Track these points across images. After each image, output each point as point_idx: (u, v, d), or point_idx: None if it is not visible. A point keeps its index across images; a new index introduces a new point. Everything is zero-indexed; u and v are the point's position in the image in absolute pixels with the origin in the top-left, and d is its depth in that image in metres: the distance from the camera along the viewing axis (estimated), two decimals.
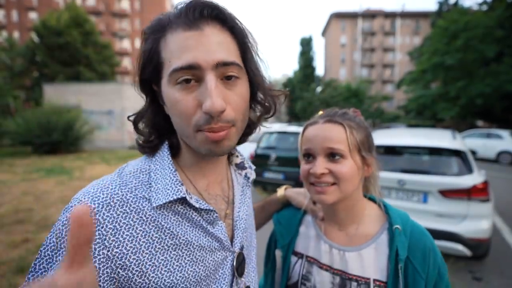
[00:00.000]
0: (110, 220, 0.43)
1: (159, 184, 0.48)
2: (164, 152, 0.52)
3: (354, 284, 0.64)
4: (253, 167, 0.69)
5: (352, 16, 45.58)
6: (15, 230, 3.71)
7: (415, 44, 35.22)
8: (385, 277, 0.63)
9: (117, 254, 0.42)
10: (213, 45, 0.43)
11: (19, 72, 22.12)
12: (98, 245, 0.41)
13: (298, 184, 4.89)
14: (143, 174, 0.50)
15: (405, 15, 44.77)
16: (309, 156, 0.68)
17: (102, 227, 0.42)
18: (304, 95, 34.23)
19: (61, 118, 11.56)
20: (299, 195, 0.83)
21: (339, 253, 0.68)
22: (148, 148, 0.53)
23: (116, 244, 0.42)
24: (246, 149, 7.98)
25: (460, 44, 15.80)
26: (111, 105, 14.63)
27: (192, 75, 0.43)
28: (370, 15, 45.40)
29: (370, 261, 0.65)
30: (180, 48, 0.43)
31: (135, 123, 0.54)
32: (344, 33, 45.90)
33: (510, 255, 3.21)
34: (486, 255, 2.79)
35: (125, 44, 40.21)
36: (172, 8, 0.48)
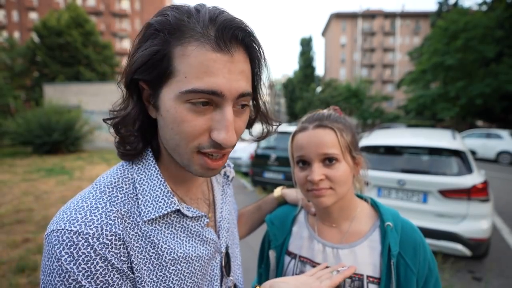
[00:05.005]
0: (117, 238, 0.41)
1: (147, 196, 0.46)
2: (149, 160, 0.49)
3: (348, 280, 0.65)
4: (232, 165, 0.70)
5: (352, 16, 45.57)
6: (16, 230, 3.71)
7: (415, 44, 35.23)
8: (378, 273, 0.64)
9: (129, 268, 0.42)
10: (237, 74, 0.41)
11: (20, 72, 22.14)
12: (118, 260, 0.40)
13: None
14: (126, 185, 0.46)
15: (405, 15, 44.76)
16: (304, 163, 0.68)
17: (112, 248, 0.40)
18: (304, 95, 34.26)
19: (61, 118, 11.58)
20: (294, 192, 0.85)
21: (333, 251, 0.70)
22: (130, 155, 0.48)
23: (129, 258, 0.42)
24: (246, 149, 7.98)
25: (459, 45, 15.81)
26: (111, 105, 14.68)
27: (209, 99, 0.40)
28: (370, 15, 45.38)
29: (363, 258, 0.66)
30: (203, 68, 0.39)
31: (117, 127, 0.47)
32: (344, 33, 45.90)
33: (510, 255, 3.21)
34: (486, 255, 2.79)
35: (125, 44, 40.21)
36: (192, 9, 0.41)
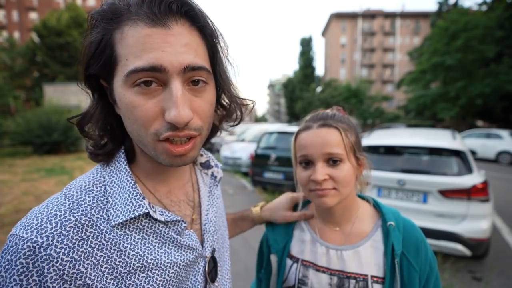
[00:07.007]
0: (65, 252, 0.37)
1: (117, 199, 0.43)
2: (120, 162, 0.47)
3: (353, 281, 0.65)
4: (220, 165, 0.67)
5: (352, 16, 45.58)
6: None
7: (415, 44, 35.26)
8: (382, 273, 0.64)
9: (81, 286, 0.37)
10: (180, 47, 0.39)
11: (20, 72, 22.18)
12: (57, 281, 0.36)
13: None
14: (97, 188, 0.44)
15: (405, 15, 44.77)
16: (307, 162, 0.67)
17: (57, 262, 0.36)
18: (304, 95, 34.26)
19: (61, 118, 11.59)
20: (279, 210, 0.79)
21: (337, 253, 0.69)
22: (102, 155, 0.47)
23: (78, 276, 0.37)
24: (246, 149, 7.98)
25: (459, 45, 15.81)
26: None
27: (154, 77, 0.38)
28: (370, 15, 45.39)
29: (367, 258, 0.66)
30: (140, 46, 0.37)
31: (80, 126, 0.45)
32: (344, 33, 45.90)
33: (510, 254, 3.21)
34: (486, 255, 2.79)
35: None
36: None
